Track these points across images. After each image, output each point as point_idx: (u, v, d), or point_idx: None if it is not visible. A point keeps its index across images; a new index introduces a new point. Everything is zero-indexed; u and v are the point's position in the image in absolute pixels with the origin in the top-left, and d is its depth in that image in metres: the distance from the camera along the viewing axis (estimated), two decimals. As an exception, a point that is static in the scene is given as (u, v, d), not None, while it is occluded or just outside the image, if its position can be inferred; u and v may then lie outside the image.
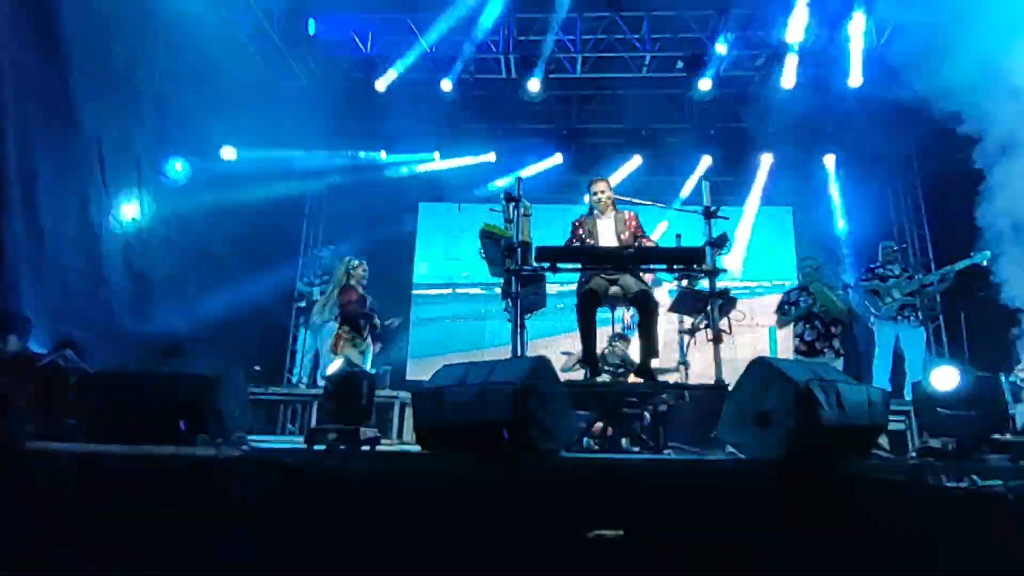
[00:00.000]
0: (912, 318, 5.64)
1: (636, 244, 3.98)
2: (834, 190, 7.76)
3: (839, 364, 5.07)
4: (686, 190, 8.12)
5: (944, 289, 5.64)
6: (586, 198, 4.28)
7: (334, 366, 2.94)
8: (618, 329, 5.01)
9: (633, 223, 4.12)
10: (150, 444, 2.25)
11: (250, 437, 2.81)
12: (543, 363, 2.48)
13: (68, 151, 4.62)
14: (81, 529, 1.92)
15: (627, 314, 5.60)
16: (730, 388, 2.79)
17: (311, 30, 6.95)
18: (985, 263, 5.33)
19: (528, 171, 8.05)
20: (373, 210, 7.99)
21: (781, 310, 5.27)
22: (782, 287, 6.60)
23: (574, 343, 4.88)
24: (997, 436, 2.49)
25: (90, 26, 4.67)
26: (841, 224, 7.48)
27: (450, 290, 8.83)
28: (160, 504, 1.93)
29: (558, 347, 6.03)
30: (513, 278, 3.50)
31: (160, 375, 2.55)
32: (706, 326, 3.76)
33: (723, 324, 3.71)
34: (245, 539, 1.94)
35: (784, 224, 8.64)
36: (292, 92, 7.18)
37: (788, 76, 6.92)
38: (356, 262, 5.39)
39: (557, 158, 8.32)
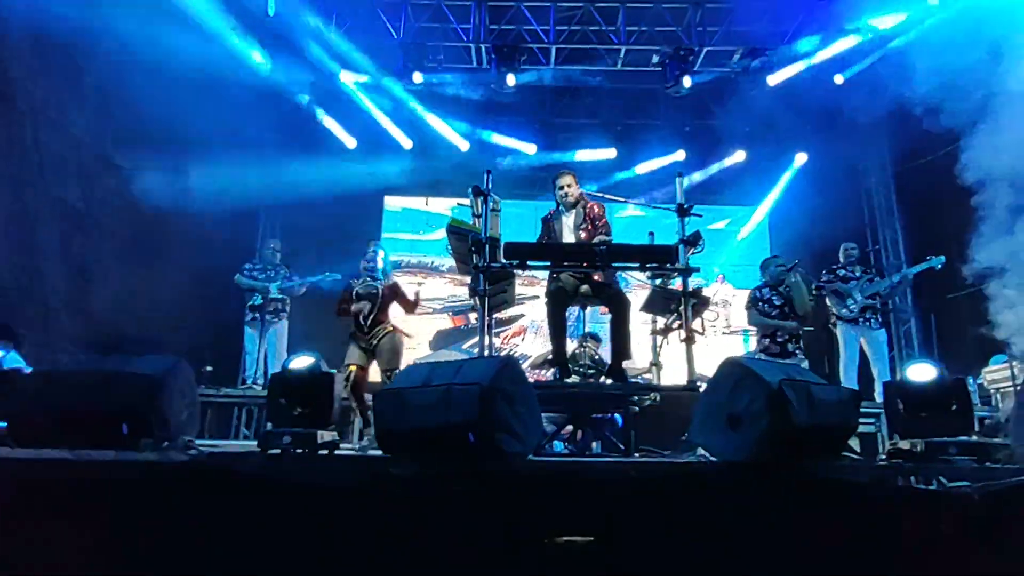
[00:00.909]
0: (873, 321, 5.83)
1: (595, 238, 3.99)
2: (805, 190, 7.95)
3: (806, 366, 5.18)
4: (645, 167, 8.16)
5: (902, 291, 5.84)
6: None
7: (301, 362, 2.88)
8: (588, 328, 5.04)
9: (593, 212, 4.09)
10: (88, 449, 2.17)
11: (200, 442, 2.74)
12: (511, 363, 2.47)
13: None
14: (9, 542, 1.84)
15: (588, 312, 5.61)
16: (702, 390, 2.83)
17: (271, 10, 6.81)
18: (939, 267, 5.56)
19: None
20: (334, 204, 7.88)
21: (756, 306, 5.32)
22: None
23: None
24: (964, 438, 2.58)
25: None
26: (812, 226, 7.68)
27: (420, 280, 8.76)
28: (99, 514, 1.86)
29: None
30: (480, 275, 3.48)
31: (100, 374, 2.46)
32: (679, 326, 3.80)
33: (696, 324, 3.75)
34: (192, 550, 1.89)
35: (759, 224, 8.83)
36: (249, 81, 7.02)
37: (777, 75, 7.03)
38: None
39: (529, 148, 8.31)
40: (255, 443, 2.76)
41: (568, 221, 4.14)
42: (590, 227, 4.07)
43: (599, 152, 8.32)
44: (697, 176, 8.21)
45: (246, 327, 6.66)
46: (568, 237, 4.07)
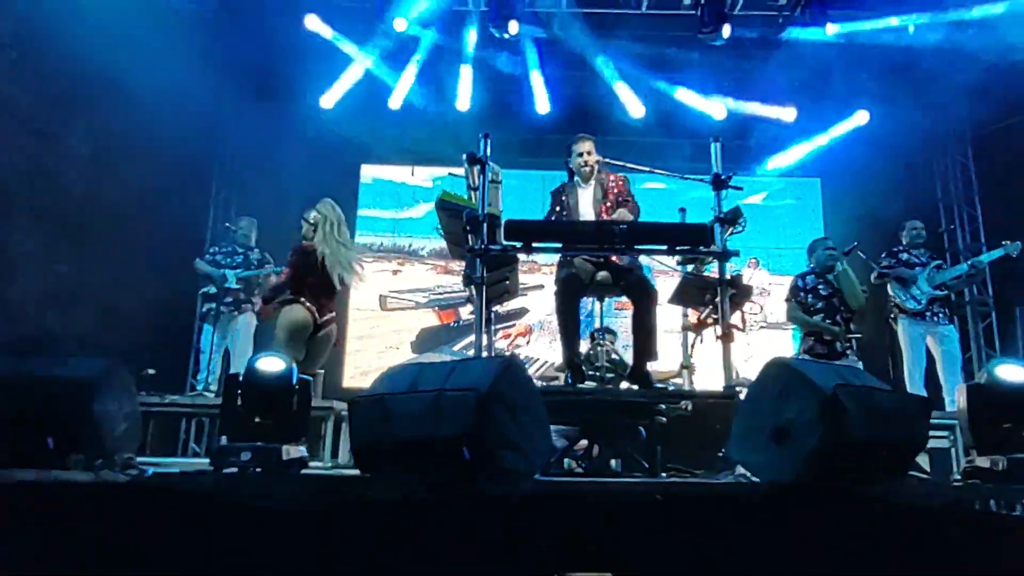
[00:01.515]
0: (942, 315, 5.78)
1: (618, 214, 4.00)
2: (865, 156, 7.90)
3: (861, 368, 5.18)
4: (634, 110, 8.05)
5: (975, 283, 5.80)
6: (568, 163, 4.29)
7: (269, 364, 2.88)
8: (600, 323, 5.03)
9: (617, 186, 4.16)
10: (7, 468, 2.17)
11: (141, 459, 2.74)
12: (514, 364, 2.47)
13: None
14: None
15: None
16: (742, 397, 2.81)
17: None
18: (1015, 255, 5.52)
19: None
20: (304, 173, 7.87)
21: (796, 298, 5.31)
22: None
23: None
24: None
25: None
26: (874, 200, 7.65)
27: (400, 269, 8.79)
28: (16, 546, 1.86)
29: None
30: (477, 260, 3.48)
31: (20, 378, 2.46)
32: (714, 321, 3.80)
33: (735, 319, 3.75)
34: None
35: (810, 199, 8.82)
36: (192, 15, 6.97)
37: (836, 26, 6.98)
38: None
39: (542, 105, 8.24)
40: (207, 461, 2.76)
41: (585, 195, 4.14)
42: (612, 204, 4.08)
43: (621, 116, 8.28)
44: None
45: (202, 323, 6.69)
46: (586, 214, 4.08)
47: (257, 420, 2.73)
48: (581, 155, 4.20)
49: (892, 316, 5.91)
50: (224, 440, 2.85)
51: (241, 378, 2.86)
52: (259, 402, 2.76)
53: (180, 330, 7.35)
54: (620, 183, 4.18)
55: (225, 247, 6.74)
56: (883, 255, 5.99)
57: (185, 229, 7.44)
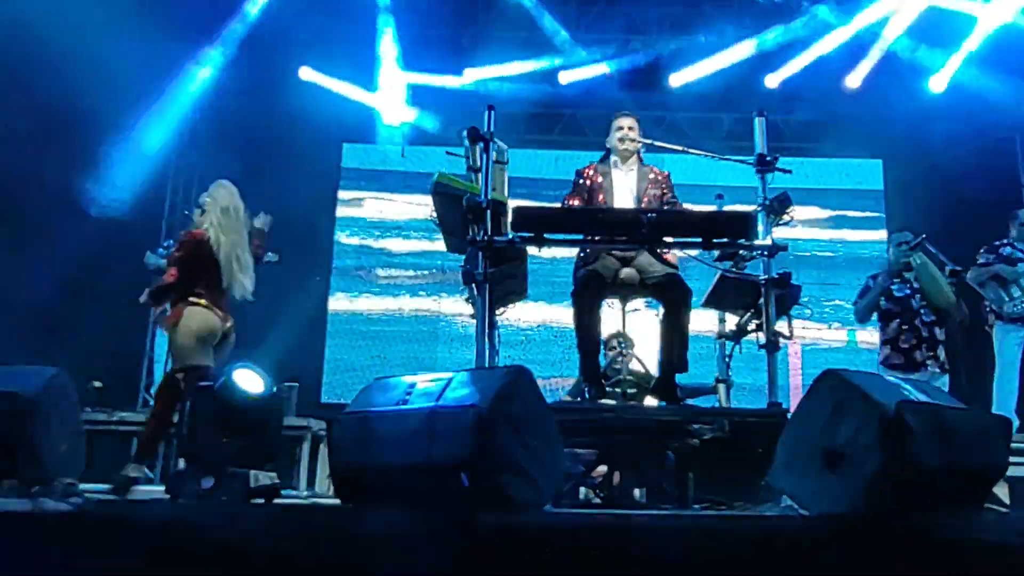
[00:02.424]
0: None
1: (663, 209, 4.02)
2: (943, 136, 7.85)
3: (944, 383, 5.13)
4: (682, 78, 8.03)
5: None
6: (609, 140, 4.32)
7: (246, 379, 2.89)
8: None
9: (664, 184, 4.21)
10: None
11: (85, 486, 2.76)
12: (521, 376, 2.48)
13: None
14: None
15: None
16: (789, 416, 2.81)
17: None
18: None
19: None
20: (275, 153, 7.91)
21: (864, 298, 5.27)
22: (870, 268, 6.72)
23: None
24: None
25: None
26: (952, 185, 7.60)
27: (388, 270, 8.83)
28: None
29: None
30: (479, 254, 3.48)
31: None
32: (756, 328, 3.79)
33: (781, 326, 3.74)
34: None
35: (871, 182, 8.80)
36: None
37: None
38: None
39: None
40: (162, 488, 2.78)
41: (624, 180, 4.18)
42: (659, 196, 4.14)
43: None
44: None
45: (156, 326, 6.72)
46: (623, 201, 4.10)
47: (223, 441, 2.75)
48: (621, 129, 4.23)
49: (990, 323, 5.78)
50: (182, 464, 2.87)
51: (215, 391, 2.88)
52: (223, 419, 2.77)
53: (131, 335, 7.38)
54: (667, 181, 4.22)
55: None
56: (983, 249, 5.81)
57: (137, 217, 7.47)
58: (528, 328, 8.39)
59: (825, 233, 8.76)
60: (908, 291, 5.15)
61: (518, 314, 7.19)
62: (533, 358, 7.93)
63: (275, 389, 2.97)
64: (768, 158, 3.71)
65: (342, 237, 8.95)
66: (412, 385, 2.55)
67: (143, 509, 2.55)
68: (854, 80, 8.18)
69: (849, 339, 8.35)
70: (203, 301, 4.44)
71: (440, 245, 4.27)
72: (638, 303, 4.35)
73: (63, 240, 6.10)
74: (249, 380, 2.90)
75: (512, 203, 3.72)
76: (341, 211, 8.96)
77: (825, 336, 8.44)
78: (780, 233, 3.71)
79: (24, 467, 2.40)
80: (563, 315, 8.36)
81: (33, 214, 6.05)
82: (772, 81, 8.25)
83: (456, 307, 8.44)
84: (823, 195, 8.73)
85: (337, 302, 8.78)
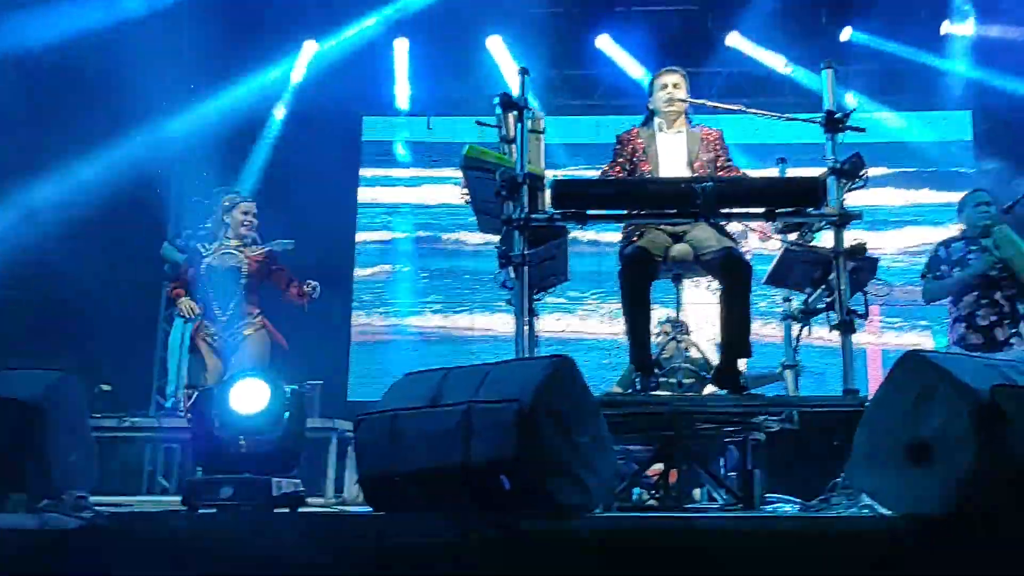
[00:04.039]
0: None
1: (719, 176, 3.98)
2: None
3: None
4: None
5: None
6: (649, 102, 4.28)
7: (246, 392, 2.94)
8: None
9: (716, 145, 4.18)
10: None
11: (96, 499, 2.80)
12: (565, 368, 2.47)
13: None
14: None
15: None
16: (867, 404, 2.75)
17: None
18: None
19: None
20: (289, 132, 8.00)
21: (933, 271, 5.18)
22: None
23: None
24: None
25: None
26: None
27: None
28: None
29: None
30: (516, 233, 3.48)
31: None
32: (827, 307, 3.74)
33: (856, 303, 3.68)
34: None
35: (958, 137, 8.60)
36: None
37: None
38: (237, 197, 5.39)
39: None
40: (179, 499, 2.81)
41: (671, 144, 4.14)
42: (712, 160, 4.11)
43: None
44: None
45: (168, 325, 6.82)
46: (672, 169, 4.06)
47: (241, 446, 2.78)
48: (665, 87, 4.18)
49: None
50: (200, 472, 2.91)
51: (214, 399, 2.91)
52: (240, 426, 2.80)
53: (143, 333, 7.50)
54: (718, 142, 4.18)
55: (207, 228, 6.86)
56: None
57: (145, 207, 7.58)
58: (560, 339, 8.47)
59: (902, 196, 8.64)
60: (987, 260, 5.00)
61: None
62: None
63: (295, 388, 2.99)
64: (838, 115, 3.63)
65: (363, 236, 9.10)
66: (445, 379, 2.56)
67: (159, 522, 2.59)
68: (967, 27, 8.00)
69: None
70: None
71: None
72: (694, 283, 4.32)
73: (66, 229, 6.18)
74: (247, 396, 2.93)
75: (549, 174, 3.72)
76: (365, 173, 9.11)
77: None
78: (852, 199, 3.64)
79: (31, 480, 2.44)
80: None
81: (21, 222, 6.15)
82: (844, 34, 8.12)
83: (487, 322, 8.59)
84: (902, 153, 8.58)
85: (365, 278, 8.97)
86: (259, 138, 8.37)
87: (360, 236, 9.11)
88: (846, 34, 8.18)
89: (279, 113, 8.58)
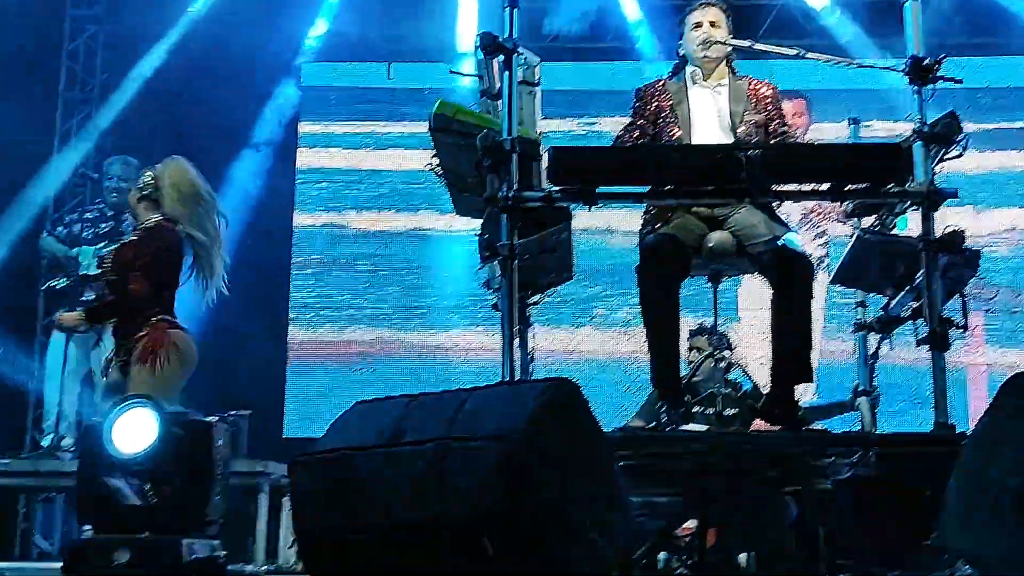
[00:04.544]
0: None
1: (770, 143, 4.01)
2: None
3: None
4: None
5: None
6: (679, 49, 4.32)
7: (132, 425, 2.94)
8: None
9: (769, 104, 4.18)
10: None
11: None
12: (567, 395, 2.49)
13: None
14: None
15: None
16: (965, 442, 2.78)
17: None
18: None
19: None
20: (207, 85, 8.01)
21: None
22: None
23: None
24: None
25: None
26: None
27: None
28: None
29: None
30: (502, 217, 3.48)
31: None
32: (913, 315, 3.75)
33: (953, 309, 3.70)
34: None
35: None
36: None
37: None
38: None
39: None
40: (60, 565, 2.81)
41: (708, 102, 4.15)
42: (762, 123, 4.12)
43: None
44: None
45: (47, 336, 6.81)
46: (709, 132, 4.08)
47: (140, 496, 2.78)
48: (700, 27, 4.17)
49: None
50: (88, 531, 2.91)
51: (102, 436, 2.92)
52: (133, 470, 2.81)
53: (11, 357, 7.49)
54: (770, 96, 4.17)
55: (91, 213, 6.85)
56: None
57: (17, 181, 7.58)
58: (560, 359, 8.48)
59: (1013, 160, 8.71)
60: None
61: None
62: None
63: (200, 419, 3.00)
64: (927, 62, 3.64)
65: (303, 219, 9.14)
66: (409, 410, 2.57)
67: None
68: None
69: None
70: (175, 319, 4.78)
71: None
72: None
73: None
74: (132, 429, 2.94)
75: (549, 130, 3.72)
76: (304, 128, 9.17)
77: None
78: (947, 170, 3.66)
79: None
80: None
81: None
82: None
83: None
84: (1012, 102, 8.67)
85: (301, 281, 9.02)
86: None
87: (299, 219, 9.13)
88: None
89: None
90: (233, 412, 6.61)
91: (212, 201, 4.96)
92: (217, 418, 4.54)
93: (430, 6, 8.51)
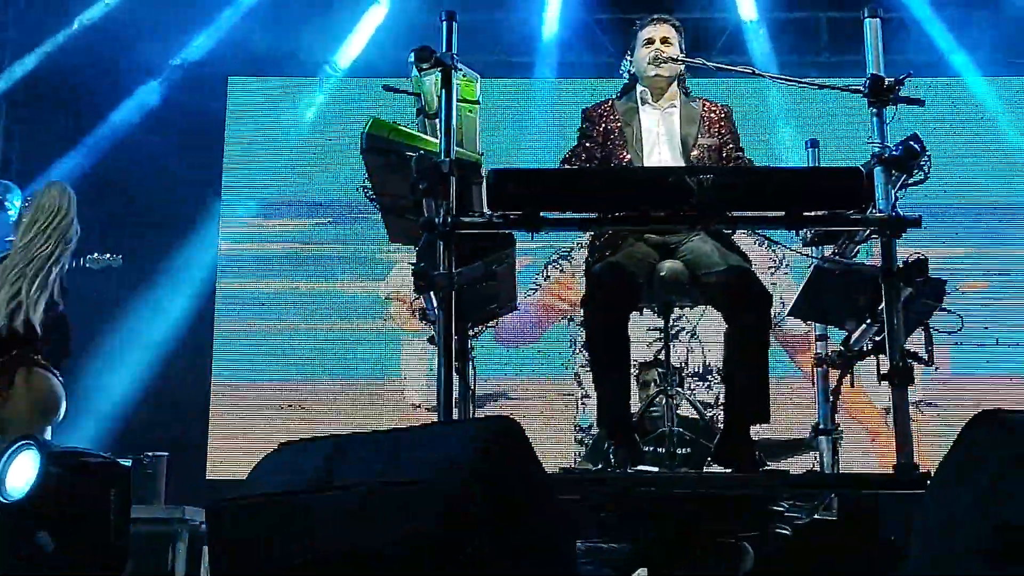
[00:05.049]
0: None
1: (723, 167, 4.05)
2: None
3: None
4: None
5: None
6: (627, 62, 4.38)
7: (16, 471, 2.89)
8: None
9: (723, 126, 4.25)
10: None
11: None
12: (509, 435, 2.48)
13: None
14: None
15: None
16: (930, 482, 2.79)
17: None
18: None
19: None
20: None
21: None
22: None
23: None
24: None
25: None
26: None
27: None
28: None
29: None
30: (440, 243, 3.47)
31: None
32: (876, 349, 3.79)
33: (916, 343, 3.73)
34: None
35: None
36: None
37: None
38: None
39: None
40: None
41: (659, 123, 4.20)
42: (716, 147, 4.17)
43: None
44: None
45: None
46: (660, 155, 4.12)
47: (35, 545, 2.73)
48: (651, 43, 4.23)
49: None
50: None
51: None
52: (38, 515, 2.76)
53: None
54: (722, 118, 4.25)
55: None
56: None
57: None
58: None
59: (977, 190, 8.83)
60: None
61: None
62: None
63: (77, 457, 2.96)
64: (888, 81, 3.68)
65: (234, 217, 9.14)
66: (338, 451, 2.56)
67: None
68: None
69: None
70: (44, 360, 4.73)
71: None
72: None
73: None
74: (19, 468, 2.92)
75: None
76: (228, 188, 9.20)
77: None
78: (909, 199, 3.69)
79: None
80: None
81: None
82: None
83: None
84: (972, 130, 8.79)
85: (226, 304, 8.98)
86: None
87: (225, 245, 9.13)
88: None
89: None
90: (150, 453, 6.55)
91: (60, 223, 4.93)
92: (112, 457, 4.48)
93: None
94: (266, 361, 8.89)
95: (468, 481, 2.30)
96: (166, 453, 6.74)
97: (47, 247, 4.80)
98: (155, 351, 8.26)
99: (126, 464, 3.00)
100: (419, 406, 8.57)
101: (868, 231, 3.68)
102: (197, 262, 8.89)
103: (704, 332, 6.36)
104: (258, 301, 8.98)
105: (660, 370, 4.77)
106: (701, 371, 7.69)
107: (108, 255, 5.83)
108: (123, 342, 8.16)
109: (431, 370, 7.63)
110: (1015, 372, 8.27)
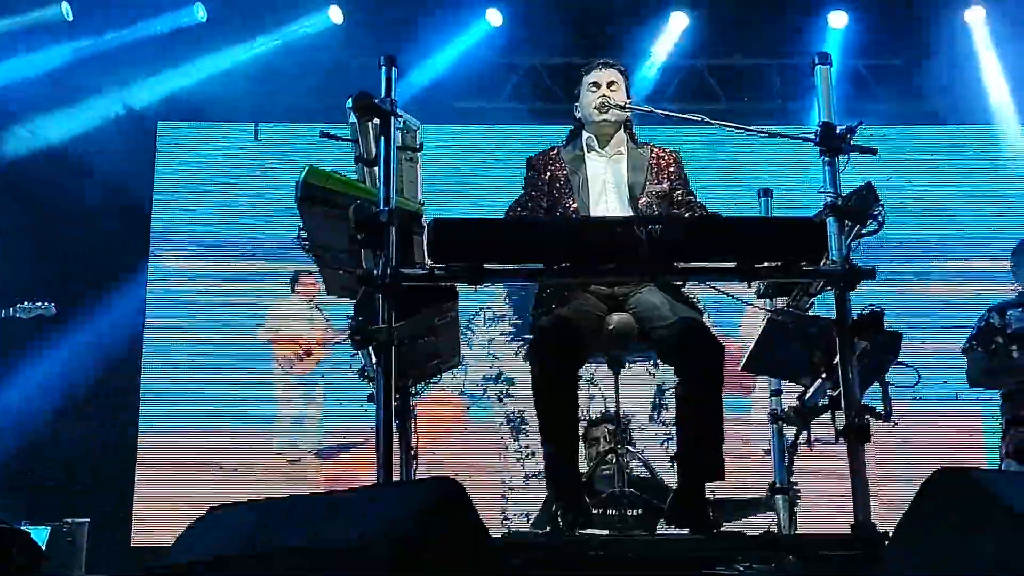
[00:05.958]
0: None
1: (672, 214, 4.07)
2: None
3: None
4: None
5: None
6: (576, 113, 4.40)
7: None
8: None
9: (672, 173, 4.28)
10: None
11: None
12: (451, 497, 2.48)
13: None
14: None
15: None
16: (888, 542, 2.82)
17: None
18: None
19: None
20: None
21: (984, 343, 5.36)
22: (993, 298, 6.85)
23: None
24: None
25: None
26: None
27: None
28: None
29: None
30: (380, 297, 3.47)
31: None
32: (832, 404, 3.81)
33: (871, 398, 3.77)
34: None
35: (985, 162, 9.04)
36: None
37: None
38: None
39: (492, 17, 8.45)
40: None
41: (606, 171, 4.23)
42: (668, 196, 4.18)
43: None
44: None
45: None
46: (608, 204, 4.15)
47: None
48: (596, 87, 4.27)
49: None
50: None
51: None
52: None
53: None
54: (672, 164, 4.28)
55: None
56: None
57: None
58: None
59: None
60: None
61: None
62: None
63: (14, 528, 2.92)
64: (839, 130, 3.72)
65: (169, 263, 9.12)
66: (270, 515, 2.55)
67: None
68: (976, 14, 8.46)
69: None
70: None
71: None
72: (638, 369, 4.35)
73: None
74: None
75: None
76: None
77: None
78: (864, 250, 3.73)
79: None
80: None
81: None
82: (837, 20, 8.43)
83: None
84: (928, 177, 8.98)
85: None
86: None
87: (155, 287, 9.11)
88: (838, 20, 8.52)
89: None
90: (70, 520, 6.45)
91: None
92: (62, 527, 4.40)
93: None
94: (196, 420, 8.85)
95: (410, 545, 2.29)
96: (87, 519, 6.64)
97: None
98: (76, 412, 8.18)
99: (37, 531, 2.94)
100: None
101: (822, 282, 3.71)
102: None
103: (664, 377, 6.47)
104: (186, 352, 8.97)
105: (609, 427, 4.77)
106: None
107: (40, 303, 5.82)
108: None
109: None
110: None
